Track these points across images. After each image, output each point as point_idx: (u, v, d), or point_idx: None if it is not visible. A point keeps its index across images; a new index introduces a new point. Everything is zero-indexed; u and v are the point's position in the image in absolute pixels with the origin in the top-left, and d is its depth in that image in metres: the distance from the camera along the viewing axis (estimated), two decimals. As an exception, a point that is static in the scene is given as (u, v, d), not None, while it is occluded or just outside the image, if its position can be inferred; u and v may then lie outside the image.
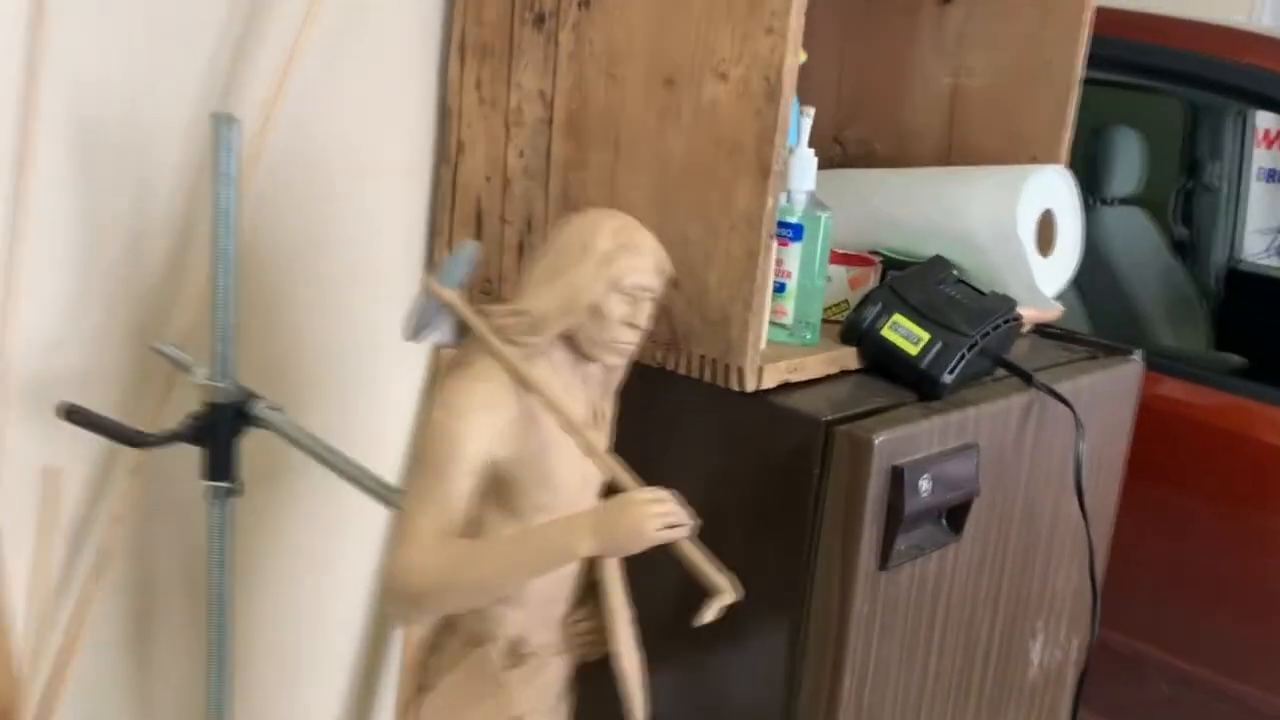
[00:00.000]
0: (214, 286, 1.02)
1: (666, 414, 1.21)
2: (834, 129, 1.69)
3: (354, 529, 1.39)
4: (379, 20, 1.30)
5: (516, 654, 0.88)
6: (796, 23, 1.04)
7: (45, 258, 1.08)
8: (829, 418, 1.10)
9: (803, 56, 1.25)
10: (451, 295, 0.88)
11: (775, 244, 1.17)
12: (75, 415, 1.04)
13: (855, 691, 1.14)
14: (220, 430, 1.05)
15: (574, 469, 0.89)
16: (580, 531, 0.80)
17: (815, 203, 1.23)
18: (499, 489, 0.85)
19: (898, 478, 1.10)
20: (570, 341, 0.88)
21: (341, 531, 1.39)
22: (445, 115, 1.38)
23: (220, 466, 1.06)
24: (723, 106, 1.10)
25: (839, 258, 1.39)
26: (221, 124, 0.97)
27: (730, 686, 1.19)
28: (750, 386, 1.13)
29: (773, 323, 1.23)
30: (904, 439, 1.12)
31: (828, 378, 1.22)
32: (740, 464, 1.17)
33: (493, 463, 0.84)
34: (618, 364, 0.92)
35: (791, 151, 1.20)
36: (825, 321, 1.30)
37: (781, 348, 1.21)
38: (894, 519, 1.11)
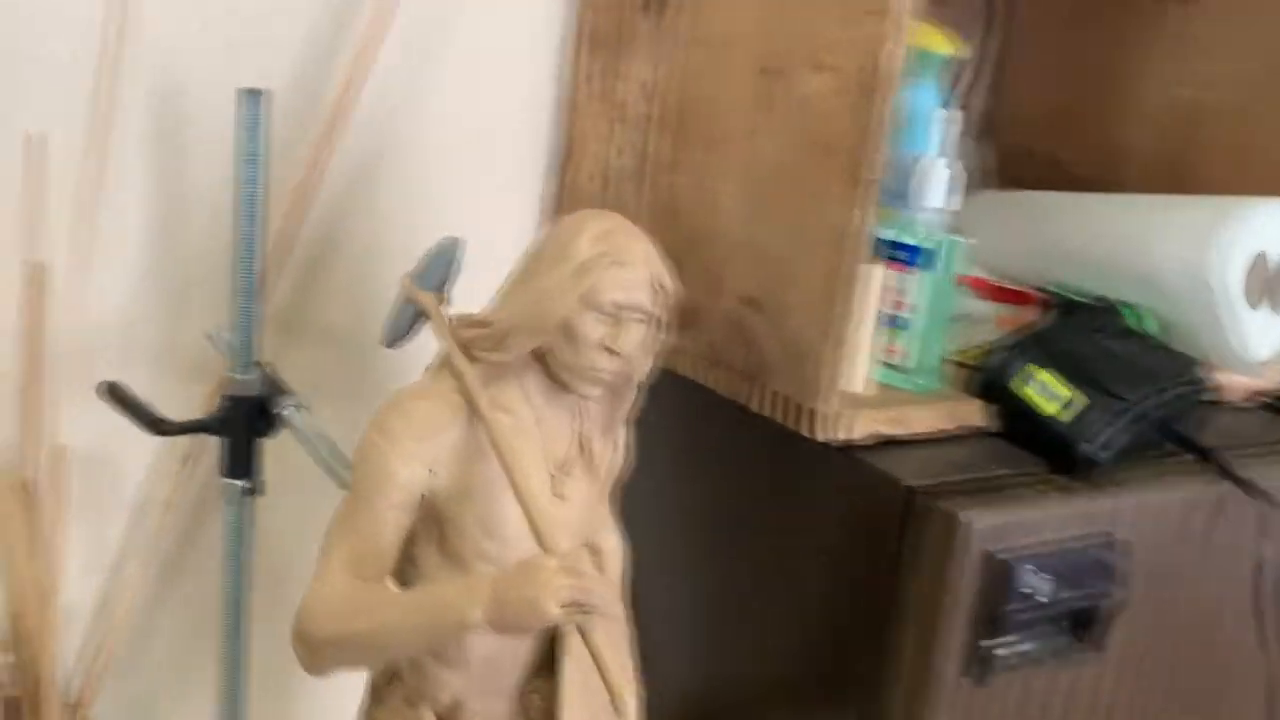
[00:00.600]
0: (236, 272, 0.95)
1: (741, 458, 1.04)
2: (1029, 141, 1.45)
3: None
4: (500, 2, 1.20)
5: (453, 720, 0.74)
6: (902, 5, 0.85)
7: (120, 231, 1.05)
8: (916, 484, 0.90)
9: (950, 48, 1.05)
10: (428, 299, 0.76)
11: (882, 269, 0.98)
12: (112, 393, 1.00)
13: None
14: (238, 425, 0.97)
15: None
16: (475, 596, 0.66)
17: (949, 224, 1.02)
18: (439, 528, 0.72)
19: (998, 570, 0.88)
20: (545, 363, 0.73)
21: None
22: (562, 111, 1.27)
23: (238, 463, 0.98)
24: (818, 101, 0.92)
25: (991, 291, 1.16)
26: (246, 100, 0.90)
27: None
28: (828, 436, 0.94)
29: (886, 364, 1.03)
30: (1015, 522, 0.89)
31: (943, 437, 1.01)
32: (817, 529, 0.98)
33: (429, 495, 0.70)
34: (593, 393, 0.76)
35: (916, 161, 1.00)
36: (962, 366, 1.08)
37: (890, 393, 1.01)
38: (990, 621, 0.88)
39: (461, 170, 1.23)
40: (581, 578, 0.65)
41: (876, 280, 0.97)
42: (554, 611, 0.64)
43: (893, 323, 1.02)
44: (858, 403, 0.96)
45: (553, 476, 0.74)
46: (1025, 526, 0.90)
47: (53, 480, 1.06)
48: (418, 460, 0.69)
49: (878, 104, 0.87)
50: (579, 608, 0.65)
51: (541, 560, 0.66)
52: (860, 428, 0.95)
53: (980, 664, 0.90)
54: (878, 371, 1.02)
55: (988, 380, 1.02)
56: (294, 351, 1.15)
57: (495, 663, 0.75)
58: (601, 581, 0.66)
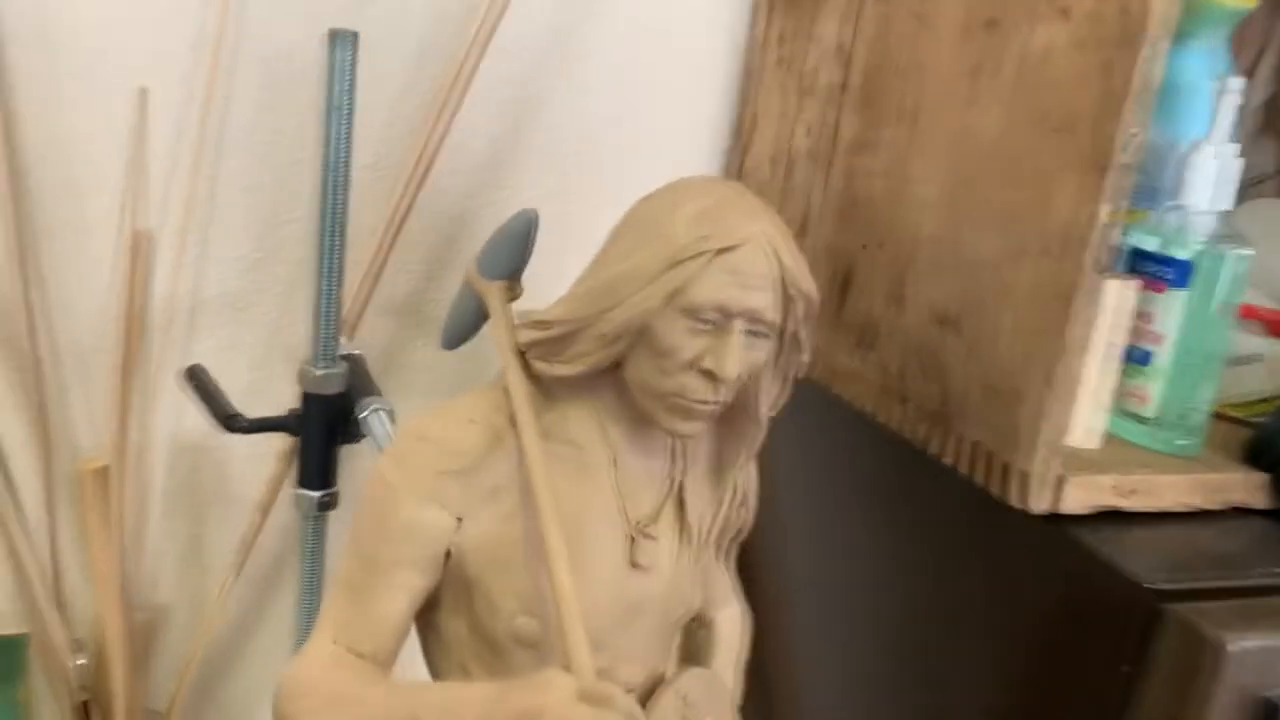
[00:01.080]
0: (321, 248, 0.81)
1: (921, 515, 0.82)
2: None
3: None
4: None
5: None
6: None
7: (229, 201, 0.94)
8: (1162, 586, 0.65)
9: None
10: (491, 289, 0.59)
11: (1125, 286, 0.74)
12: (192, 379, 0.89)
13: None
14: (315, 427, 0.83)
15: (602, 584, 0.55)
16: (471, 709, 0.47)
17: (1221, 232, 0.76)
18: (468, 598, 0.54)
19: (1263, 715, 0.63)
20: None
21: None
22: (742, 80, 1.08)
23: (311, 470, 0.84)
24: (1056, 58, 0.69)
25: (1273, 324, 0.89)
26: (338, 43, 0.75)
27: None
28: (1036, 505, 0.71)
29: (1126, 412, 0.79)
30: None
31: (1198, 514, 0.76)
32: (1019, 618, 0.75)
33: (456, 552, 0.53)
34: (686, 430, 0.56)
35: (1182, 146, 0.76)
36: (1228, 421, 0.83)
37: (1124, 450, 0.77)
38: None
39: (621, 149, 1.06)
40: (609, 712, 0.45)
41: (1116, 300, 0.73)
42: None
43: (1135, 358, 0.78)
44: (1077, 462, 0.73)
45: (631, 539, 0.55)
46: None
47: (139, 471, 0.96)
48: (439, 503, 0.52)
49: (1134, 64, 0.63)
50: None
51: (557, 680, 0.46)
52: (1076, 497, 0.71)
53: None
54: (1110, 421, 0.78)
55: (1261, 444, 0.77)
56: (408, 347, 1.01)
57: None
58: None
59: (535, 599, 0.53)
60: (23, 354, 0.89)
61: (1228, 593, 0.67)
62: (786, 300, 0.54)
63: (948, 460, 0.77)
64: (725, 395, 0.54)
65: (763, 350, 0.55)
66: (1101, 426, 0.77)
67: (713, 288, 0.51)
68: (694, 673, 0.60)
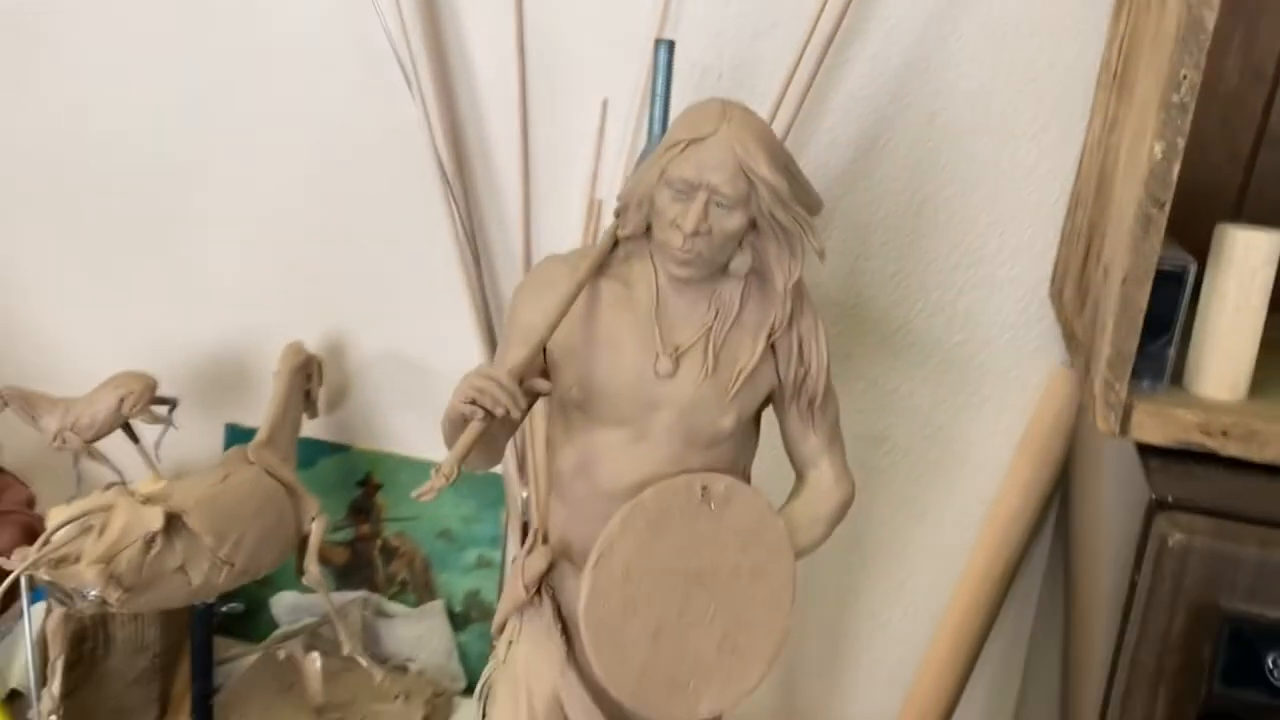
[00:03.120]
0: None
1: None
2: None
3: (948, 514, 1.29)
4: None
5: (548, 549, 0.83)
6: None
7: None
8: (1162, 497, 0.69)
9: None
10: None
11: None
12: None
13: None
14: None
15: (624, 377, 0.77)
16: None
17: None
18: (553, 371, 0.79)
19: (1218, 629, 0.64)
20: None
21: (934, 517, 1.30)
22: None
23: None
24: None
25: None
26: (661, 49, 1.06)
27: None
28: (1104, 425, 0.76)
29: (1293, 374, 0.78)
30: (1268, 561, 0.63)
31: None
32: (1088, 522, 0.80)
33: (546, 344, 0.78)
34: (680, 274, 0.75)
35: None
36: None
37: (1271, 409, 0.76)
38: (1201, 698, 0.64)
39: (976, 137, 1.19)
40: (488, 384, 0.70)
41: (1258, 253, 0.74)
42: (457, 401, 0.71)
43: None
44: (1164, 400, 0.75)
45: (659, 355, 0.77)
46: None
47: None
48: (533, 309, 0.79)
49: None
50: (473, 404, 0.70)
51: (480, 367, 0.72)
52: (1149, 427, 0.75)
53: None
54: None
55: None
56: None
57: (584, 503, 0.82)
58: (504, 388, 0.70)
59: (590, 379, 0.78)
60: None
61: (1251, 520, 0.67)
62: (749, 183, 0.73)
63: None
64: (698, 245, 0.73)
65: (732, 219, 0.74)
66: (1242, 379, 0.77)
67: (681, 166, 0.73)
68: (732, 481, 0.79)
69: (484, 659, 1.47)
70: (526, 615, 0.84)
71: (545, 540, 0.84)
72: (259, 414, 1.47)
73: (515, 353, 0.76)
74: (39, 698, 1.06)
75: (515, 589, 0.83)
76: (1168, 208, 0.70)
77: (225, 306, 1.47)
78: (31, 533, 1.41)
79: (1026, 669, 1.23)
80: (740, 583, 0.78)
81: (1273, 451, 0.73)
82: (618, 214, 0.79)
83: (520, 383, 0.72)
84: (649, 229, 0.78)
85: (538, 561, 0.82)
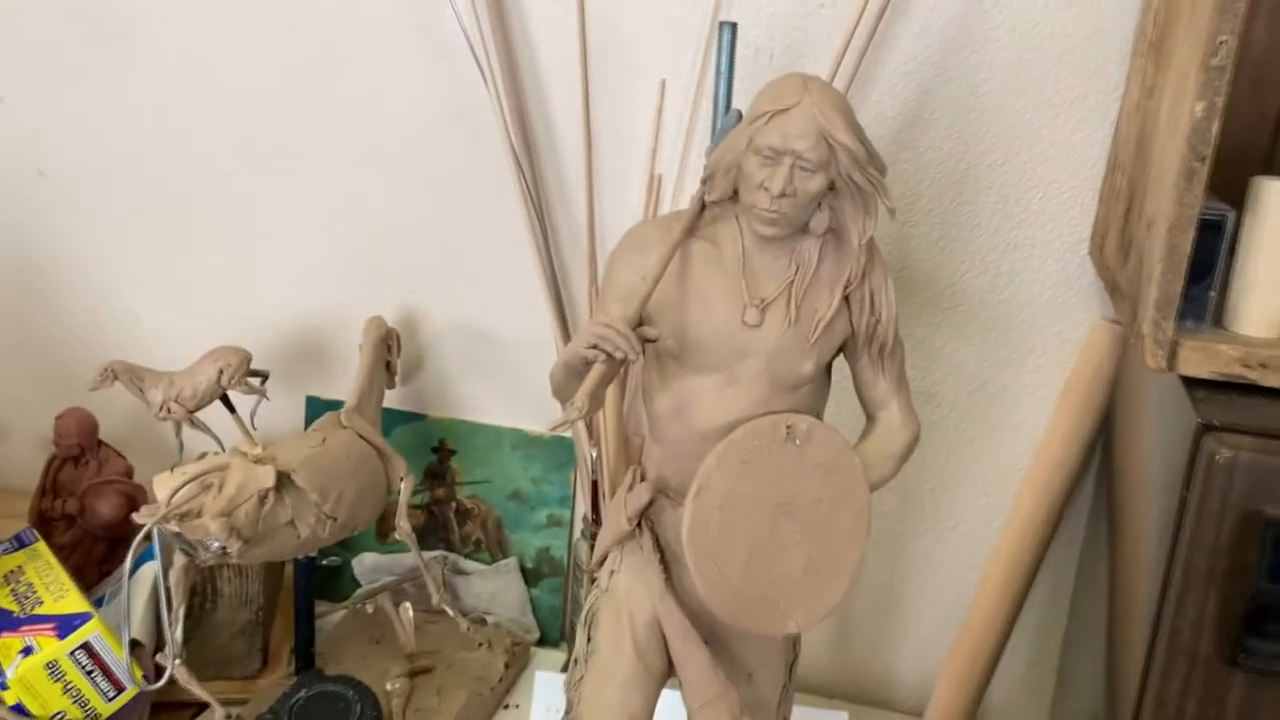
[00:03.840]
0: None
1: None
2: None
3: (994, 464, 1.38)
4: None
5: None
6: None
7: (698, 159, 1.38)
8: (1209, 421, 0.77)
9: None
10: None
11: None
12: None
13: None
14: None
15: (715, 328, 0.85)
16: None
17: None
18: (651, 322, 0.87)
19: (1263, 532, 0.72)
20: None
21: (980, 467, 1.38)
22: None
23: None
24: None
25: None
26: (724, 30, 1.14)
27: None
28: (1153, 362, 0.84)
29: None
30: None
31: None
32: (1144, 466, 0.88)
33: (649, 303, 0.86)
34: (766, 233, 0.84)
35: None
36: None
37: None
38: (1248, 596, 0.73)
39: (1017, 106, 1.26)
40: (609, 331, 0.78)
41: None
42: (580, 346, 0.80)
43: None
44: (1229, 340, 0.83)
45: (746, 306, 0.86)
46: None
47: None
48: (631, 269, 0.88)
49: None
50: (596, 349, 0.79)
51: (590, 320, 0.81)
52: (1192, 361, 0.83)
53: (1230, 646, 0.74)
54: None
55: None
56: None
57: (680, 443, 0.90)
58: (621, 334, 0.79)
59: (683, 331, 0.86)
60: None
61: None
62: (830, 148, 0.81)
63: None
64: (784, 206, 0.82)
65: (815, 181, 0.82)
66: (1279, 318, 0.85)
67: (768, 135, 0.81)
68: (814, 420, 0.87)
69: (555, 612, 1.56)
70: (627, 548, 0.93)
71: (643, 478, 0.93)
72: (337, 386, 1.57)
73: (615, 308, 0.85)
74: (169, 640, 1.16)
75: (618, 523, 0.92)
76: (1209, 162, 0.78)
77: (302, 286, 1.56)
78: (132, 501, 1.51)
79: (1072, 606, 1.31)
80: (822, 512, 0.87)
81: (1304, 380, 0.81)
82: (704, 181, 0.88)
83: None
84: (734, 195, 0.86)
85: (640, 496, 0.91)
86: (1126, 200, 1.04)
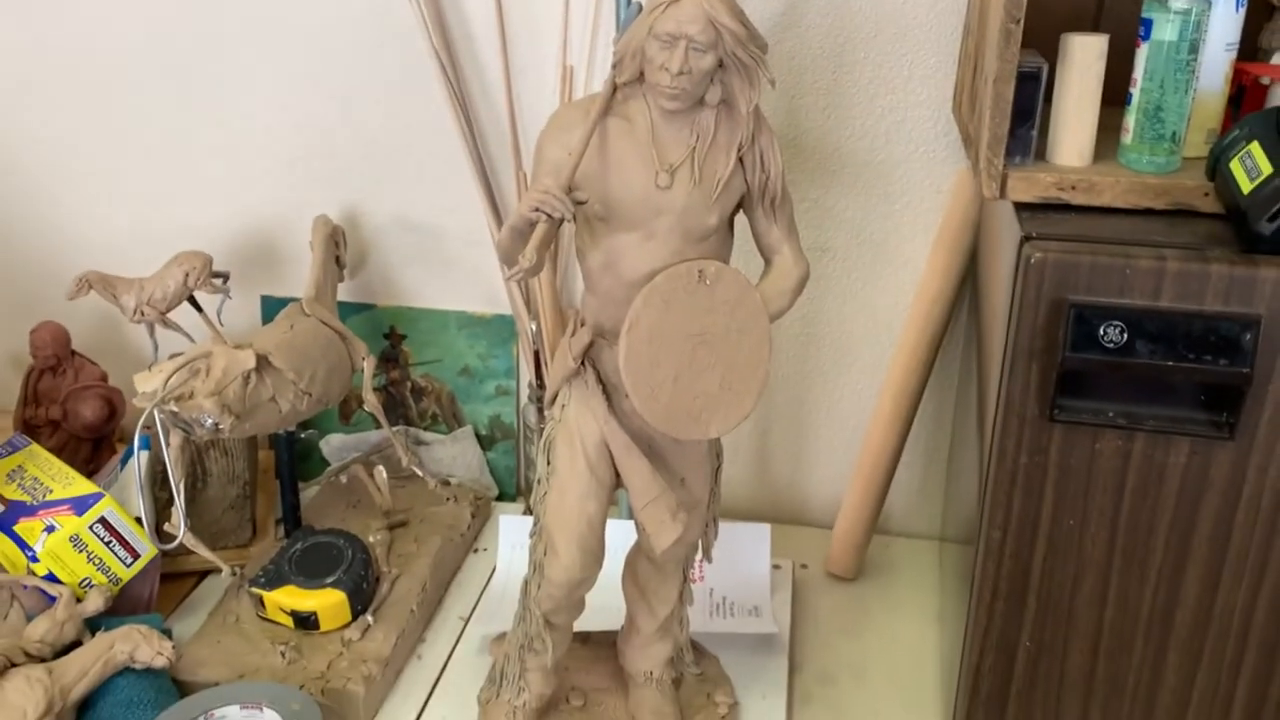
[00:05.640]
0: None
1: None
2: None
3: (882, 304, 1.58)
4: None
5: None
6: None
7: (608, 52, 1.52)
8: (1028, 233, 0.96)
9: None
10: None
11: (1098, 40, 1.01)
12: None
13: (1003, 551, 1.00)
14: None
15: (633, 192, 1.01)
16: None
17: (1198, -6, 0.99)
18: (584, 213, 1.04)
19: (1066, 314, 0.92)
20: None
21: (870, 308, 1.59)
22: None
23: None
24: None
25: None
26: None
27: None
28: (988, 192, 1.03)
29: (1124, 144, 1.05)
30: (1105, 271, 0.92)
31: (1143, 210, 1.01)
32: (995, 281, 1.08)
33: (576, 176, 1.02)
34: (669, 107, 1.00)
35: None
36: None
37: (1109, 168, 1.04)
38: (1058, 364, 0.93)
39: None
40: (546, 195, 0.96)
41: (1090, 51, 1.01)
42: (524, 210, 0.97)
43: (1127, 101, 1.04)
44: (1034, 169, 1.02)
45: (657, 172, 1.03)
46: (1130, 281, 0.91)
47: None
48: (558, 145, 1.04)
49: None
50: (539, 210, 0.96)
51: (533, 185, 0.98)
52: (1021, 188, 1.02)
53: (1049, 405, 0.95)
54: (1121, 152, 1.04)
55: (1212, 157, 0.98)
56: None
57: (611, 291, 1.06)
58: (558, 198, 0.96)
59: (606, 197, 1.02)
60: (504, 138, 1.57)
61: (1099, 241, 0.94)
62: (716, 31, 0.97)
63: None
64: (682, 83, 0.98)
65: (706, 60, 0.98)
66: (1087, 149, 1.04)
67: (665, 23, 0.97)
68: (721, 264, 1.04)
69: (510, 471, 1.75)
70: (574, 384, 1.11)
71: (584, 324, 1.11)
72: (289, 285, 1.71)
73: (549, 180, 1.01)
74: (177, 507, 1.32)
75: (565, 363, 1.10)
76: (1022, 23, 0.96)
77: (248, 193, 1.68)
78: (110, 403, 1.65)
79: (955, 416, 1.53)
80: (731, 339, 1.05)
81: (1106, 198, 1.01)
82: (614, 66, 1.03)
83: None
84: (641, 76, 1.02)
85: (583, 338, 1.08)
86: (974, 61, 1.22)
